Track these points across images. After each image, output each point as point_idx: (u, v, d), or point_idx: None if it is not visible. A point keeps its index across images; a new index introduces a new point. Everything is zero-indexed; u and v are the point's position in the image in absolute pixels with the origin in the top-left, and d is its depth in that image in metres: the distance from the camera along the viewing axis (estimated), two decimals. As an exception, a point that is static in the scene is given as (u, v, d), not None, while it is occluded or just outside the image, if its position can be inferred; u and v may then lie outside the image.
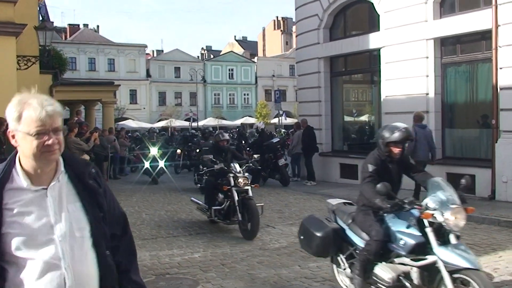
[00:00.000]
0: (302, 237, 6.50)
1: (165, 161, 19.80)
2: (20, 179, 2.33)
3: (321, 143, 18.38)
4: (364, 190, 5.64)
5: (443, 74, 14.67)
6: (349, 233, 6.04)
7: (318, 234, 6.15)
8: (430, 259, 4.98)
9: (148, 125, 57.61)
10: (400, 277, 5.32)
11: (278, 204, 13.55)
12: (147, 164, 19.44)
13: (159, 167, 19.33)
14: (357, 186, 16.23)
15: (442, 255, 4.86)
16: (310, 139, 17.70)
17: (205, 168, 11.67)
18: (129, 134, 37.56)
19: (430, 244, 5.00)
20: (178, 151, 23.73)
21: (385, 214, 5.53)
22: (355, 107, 20.19)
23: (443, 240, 5.01)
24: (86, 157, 13.58)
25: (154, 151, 19.82)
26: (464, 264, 4.73)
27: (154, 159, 19.53)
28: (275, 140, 19.43)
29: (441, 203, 5.14)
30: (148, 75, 72.84)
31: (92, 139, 14.25)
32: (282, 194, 15.48)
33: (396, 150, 5.68)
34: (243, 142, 27.03)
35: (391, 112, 15.82)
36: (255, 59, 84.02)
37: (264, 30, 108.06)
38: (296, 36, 21.02)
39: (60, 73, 23.82)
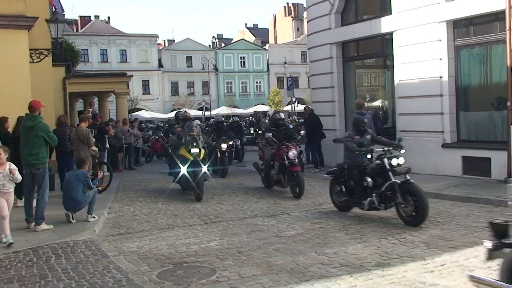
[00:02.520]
0: None
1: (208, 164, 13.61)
2: None
3: (334, 129, 18.35)
4: None
5: (456, 56, 14.53)
6: None
7: None
8: None
9: (161, 115, 57.62)
10: None
11: (293, 191, 13.55)
12: (184, 170, 13.07)
13: (201, 172, 12.85)
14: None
15: None
16: (311, 126, 17.71)
17: None
18: (142, 124, 37.65)
19: None
20: (224, 146, 17.76)
21: None
22: (368, 92, 20.07)
23: None
24: (95, 149, 13.61)
25: (195, 150, 13.03)
26: None
27: (194, 163, 12.95)
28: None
29: None
30: (160, 65, 72.99)
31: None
32: (296, 181, 15.42)
33: None
34: (258, 130, 27.03)
35: (404, 96, 15.73)
36: (267, 47, 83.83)
37: (274, 16, 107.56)
38: (308, 22, 20.90)
39: (72, 65, 23.94)
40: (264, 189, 14.38)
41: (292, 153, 12.91)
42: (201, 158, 13.01)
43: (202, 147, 13.46)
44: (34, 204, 9.70)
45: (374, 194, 9.71)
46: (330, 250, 7.74)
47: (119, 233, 9.59)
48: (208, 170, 13.23)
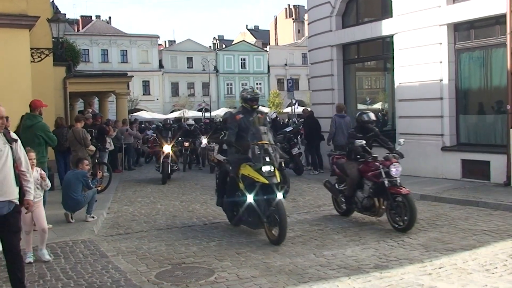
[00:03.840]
0: None
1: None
2: None
3: (334, 131, 18.34)
4: None
5: (457, 60, 14.55)
6: None
7: None
8: None
9: (161, 116, 57.40)
10: None
11: (292, 193, 13.51)
12: (250, 199, 8.72)
13: (276, 201, 8.34)
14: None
15: None
16: (310, 128, 17.75)
17: None
18: (142, 125, 37.55)
19: None
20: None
21: None
22: (368, 94, 20.08)
23: None
24: (92, 148, 13.67)
25: (268, 169, 8.57)
26: None
27: (265, 188, 8.54)
28: (288, 129, 19.38)
29: None
30: (161, 66, 73.04)
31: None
32: (296, 183, 15.38)
33: None
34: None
35: (404, 99, 15.74)
36: (267, 48, 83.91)
37: (275, 18, 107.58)
38: (308, 24, 20.93)
39: (73, 65, 23.95)
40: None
41: (396, 170, 9.23)
42: (278, 181, 8.61)
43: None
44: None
45: None
46: (328, 252, 7.74)
47: (118, 233, 9.59)
48: (284, 197, 8.73)
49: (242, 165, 9.02)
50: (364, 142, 9.70)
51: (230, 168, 9.54)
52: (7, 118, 11.77)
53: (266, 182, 8.41)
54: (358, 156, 9.88)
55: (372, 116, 10.25)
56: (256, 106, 9.56)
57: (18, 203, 5.74)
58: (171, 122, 18.28)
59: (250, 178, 8.72)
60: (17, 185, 5.72)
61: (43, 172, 8.10)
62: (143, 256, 7.84)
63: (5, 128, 5.77)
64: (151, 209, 12.02)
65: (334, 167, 10.85)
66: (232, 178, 9.30)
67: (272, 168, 8.55)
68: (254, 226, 8.96)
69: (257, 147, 8.66)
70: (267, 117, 10.32)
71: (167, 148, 16.81)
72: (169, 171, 16.81)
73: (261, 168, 8.51)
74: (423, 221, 9.64)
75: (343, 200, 10.42)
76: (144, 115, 54.55)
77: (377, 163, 9.51)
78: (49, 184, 8.27)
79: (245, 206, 8.78)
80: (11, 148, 5.68)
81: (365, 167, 9.74)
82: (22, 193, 5.79)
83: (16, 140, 5.79)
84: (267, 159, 8.56)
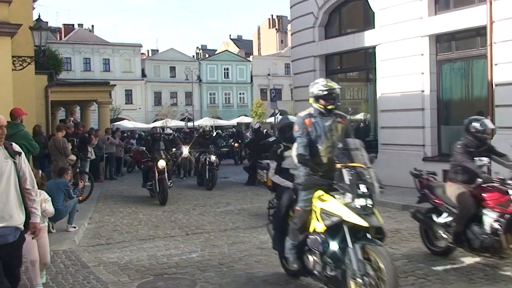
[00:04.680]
0: None
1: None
2: None
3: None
4: None
5: (438, 71, 14.69)
6: None
7: None
8: None
9: (144, 125, 57.22)
10: None
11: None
12: (334, 246, 5.66)
13: (384, 258, 5.19)
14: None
15: None
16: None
17: None
18: (125, 134, 37.36)
19: None
20: None
21: None
22: (350, 105, 20.17)
23: None
24: (73, 158, 13.60)
25: (364, 203, 5.49)
26: None
27: (359, 232, 5.50)
28: (271, 139, 19.38)
29: None
30: (144, 75, 72.79)
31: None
32: (279, 192, 15.36)
33: None
34: (240, 141, 27.03)
35: (386, 109, 15.83)
36: (251, 58, 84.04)
37: (259, 28, 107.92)
38: (292, 35, 21.02)
39: (55, 73, 23.75)
40: (245, 200, 14.34)
41: None
42: (380, 222, 5.57)
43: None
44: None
45: None
46: (311, 262, 7.73)
47: (100, 243, 9.52)
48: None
49: (319, 194, 6.07)
50: (487, 160, 7.46)
51: (295, 196, 6.52)
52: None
53: (365, 224, 5.42)
54: (480, 180, 7.38)
55: (489, 124, 7.82)
56: (333, 106, 6.67)
57: (23, 229, 5.03)
58: (160, 131, 15.99)
59: (335, 216, 5.69)
60: (23, 208, 5.00)
61: (43, 197, 7.31)
62: (124, 266, 7.78)
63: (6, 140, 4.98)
64: (133, 219, 11.93)
65: (427, 191, 8.23)
66: (302, 213, 6.19)
67: (370, 202, 5.53)
68: (334, 284, 5.72)
69: (348, 169, 5.68)
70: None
71: (162, 163, 14.40)
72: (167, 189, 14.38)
73: (354, 201, 5.53)
74: (405, 231, 9.69)
75: (445, 236, 7.65)
76: (126, 124, 54.28)
77: (502, 187, 7.03)
78: (51, 210, 7.53)
79: (328, 256, 5.74)
80: (14, 163, 4.91)
81: (481, 193, 7.26)
82: (27, 215, 5.06)
83: (19, 154, 5.01)
84: (363, 188, 5.54)
